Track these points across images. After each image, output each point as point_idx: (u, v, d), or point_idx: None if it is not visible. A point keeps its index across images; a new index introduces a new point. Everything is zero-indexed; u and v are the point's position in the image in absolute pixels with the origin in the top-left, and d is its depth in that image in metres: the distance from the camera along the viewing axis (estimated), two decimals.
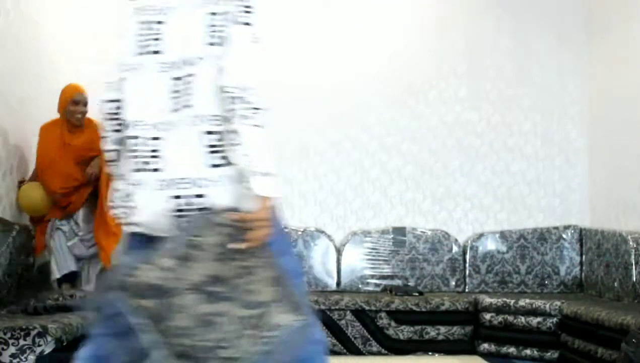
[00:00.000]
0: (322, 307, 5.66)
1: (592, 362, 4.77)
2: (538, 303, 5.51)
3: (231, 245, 2.01)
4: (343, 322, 5.66)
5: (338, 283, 6.27)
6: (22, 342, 3.43)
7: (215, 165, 2.11)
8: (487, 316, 5.62)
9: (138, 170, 2.18)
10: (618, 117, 5.95)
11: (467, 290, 6.26)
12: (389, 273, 6.27)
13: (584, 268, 6.17)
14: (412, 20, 6.44)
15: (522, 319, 5.56)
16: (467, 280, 6.28)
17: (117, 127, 2.30)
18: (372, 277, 6.25)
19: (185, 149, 2.12)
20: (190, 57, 2.16)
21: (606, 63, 6.20)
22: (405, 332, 5.65)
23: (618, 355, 4.10)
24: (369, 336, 5.65)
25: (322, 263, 6.31)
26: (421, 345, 5.66)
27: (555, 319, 5.43)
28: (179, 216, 2.10)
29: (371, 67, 6.49)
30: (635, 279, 5.27)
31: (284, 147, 6.48)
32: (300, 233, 6.34)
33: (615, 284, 5.54)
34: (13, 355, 3.41)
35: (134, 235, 2.22)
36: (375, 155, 6.52)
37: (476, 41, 6.43)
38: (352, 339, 5.65)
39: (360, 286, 6.25)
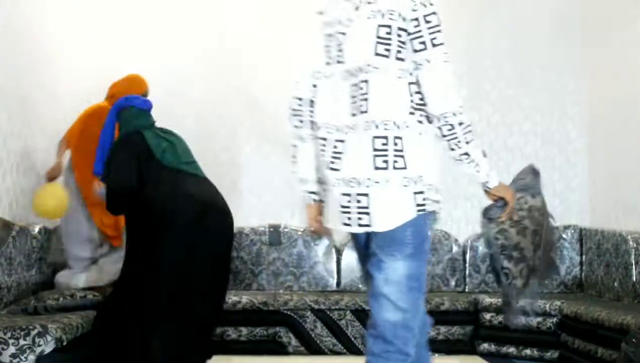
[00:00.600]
0: (322, 307, 5.66)
1: (592, 362, 4.77)
2: (538, 303, 5.50)
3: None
4: (343, 322, 5.66)
5: (338, 283, 6.27)
6: (22, 342, 3.43)
7: (378, 168, 2.34)
8: (487, 316, 5.62)
9: (325, 168, 2.47)
10: (618, 117, 5.95)
11: (467, 290, 6.26)
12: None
13: (584, 268, 6.17)
14: None
15: (521, 319, 5.55)
16: (467, 280, 6.28)
17: (299, 124, 2.66)
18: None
19: (358, 151, 2.38)
20: (363, 66, 2.41)
21: (606, 63, 6.20)
22: None
23: (618, 355, 4.10)
24: None
25: (322, 263, 6.31)
26: None
27: (555, 319, 5.43)
28: (344, 212, 2.39)
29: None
30: (635, 279, 5.27)
31: (284, 147, 6.48)
32: (300, 233, 6.34)
33: (615, 284, 5.54)
34: (13, 355, 3.41)
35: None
36: None
37: (476, 41, 6.42)
38: (352, 339, 5.65)
39: (360, 286, 6.24)
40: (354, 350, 5.63)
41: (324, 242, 6.31)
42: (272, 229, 6.34)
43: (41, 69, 5.43)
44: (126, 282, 4.04)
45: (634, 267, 5.29)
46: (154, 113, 6.53)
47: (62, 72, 5.90)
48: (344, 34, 2.47)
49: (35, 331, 3.45)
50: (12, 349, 3.41)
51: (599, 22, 6.32)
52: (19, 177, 4.94)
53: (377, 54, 2.39)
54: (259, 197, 6.49)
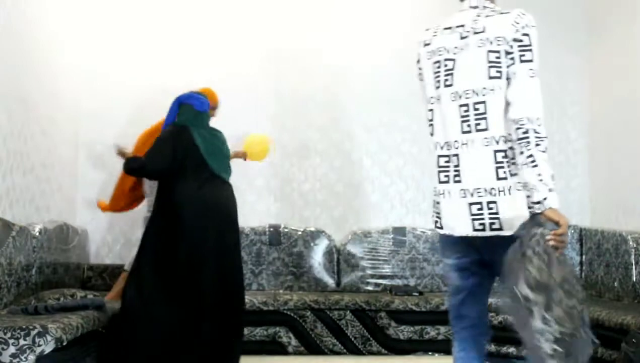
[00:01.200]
0: (322, 307, 5.66)
1: (592, 362, 4.76)
2: None
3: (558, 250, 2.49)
4: (343, 322, 5.66)
5: (338, 283, 6.27)
6: (22, 342, 3.43)
7: (501, 178, 2.63)
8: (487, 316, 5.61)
9: (443, 182, 2.76)
10: (618, 117, 5.95)
11: None
12: (389, 273, 6.27)
13: (584, 268, 6.17)
14: (413, 20, 6.44)
15: None
16: None
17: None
18: (372, 277, 6.25)
19: (479, 164, 2.66)
20: (477, 89, 2.68)
21: (606, 63, 6.20)
22: (405, 332, 5.65)
23: (618, 355, 4.10)
24: (369, 336, 5.65)
25: (322, 263, 6.31)
26: (421, 345, 5.66)
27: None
28: (474, 219, 2.67)
29: (371, 67, 6.49)
30: (635, 279, 5.28)
31: (284, 147, 6.49)
32: (300, 233, 6.34)
33: (615, 284, 5.54)
34: (13, 355, 3.41)
35: (444, 235, 2.81)
36: (375, 155, 6.52)
37: None
38: (352, 339, 5.65)
39: (360, 286, 6.25)
40: (354, 350, 5.63)
41: (324, 242, 6.31)
42: (272, 229, 6.34)
43: (41, 69, 5.44)
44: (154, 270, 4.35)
45: (634, 267, 5.30)
46: (159, 114, 6.55)
47: (62, 72, 5.90)
48: (452, 60, 2.75)
49: (35, 331, 3.45)
50: (12, 349, 3.41)
51: (599, 21, 6.32)
52: (19, 177, 4.95)
53: (490, 78, 2.66)
54: (259, 197, 6.49)
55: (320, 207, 6.49)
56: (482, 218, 2.66)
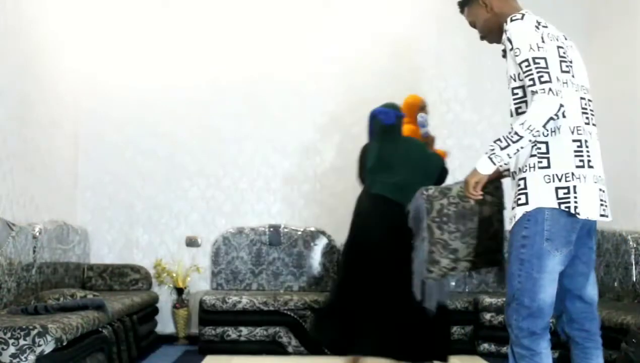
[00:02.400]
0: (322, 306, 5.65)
1: None
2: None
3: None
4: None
5: None
6: (22, 342, 3.43)
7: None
8: (487, 316, 5.62)
9: (580, 166, 2.72)
10: (618, 116, 5.95)
11: (467, 290, 6.26)
12: None
13: None
14: (413, 20, 6.44)
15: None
16: (467, 280, 6.27)
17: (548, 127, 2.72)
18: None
19: (598, 153, 2.81)
20: (587, 86, 2.94)
21: (606, 63, 6.20)
22: None
23: (618, 355, 4.10)
24: None
25: (322, 263, 6.31)
26: None
27: (555, 319, 5.42)
28: (601, 204, 2.75)
29: (371, 67, 6.48)
30: (635, 279, 5.27)
31: (284, 146, 6.49)
32: (300, 233, 6.34)
33: (615, 284, 5.54)
34: (13, 355, 3.41)
35: (569, 221, 2.70)
36: None
37: (476, 41, 6.40)
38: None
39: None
40: None
41: (324, 242, 6.31)
42: (272, 229, 6.34)
43: (41, 69, 5.44)
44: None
45: (634, 267, 5.29)
46: (159, 114, 6.54)
47: (62, 72, 5.90)
48: (568, 53, 2.86)
49: (35, 331, 3.45)
50: (12, 349, 3.41)
51: (599, 21, 6.32)
52: (19, 177, 4.95)
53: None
54: (259, 197, 6.49)
55: (320, 207, 6.49)
56: (606, 205, 2.80)
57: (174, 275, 6.16)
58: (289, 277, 6.29)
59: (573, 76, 2.84)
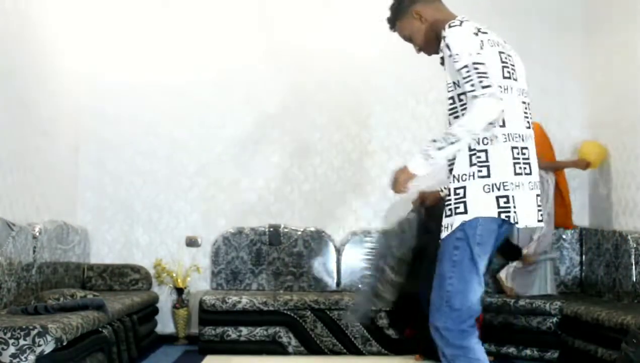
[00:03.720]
0: (322, 307, 5.66)
1: (592, 362, 4.77)
2: (538, 303, 5.50)
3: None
4: (343, 322, 5.65)
5: (338, 283, 6.27)
6: (22, 342, 3.43)
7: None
8: (487, 316, 5.61)
9: (518, 174, 2.72)
10: (618, 116, 5.95)
11: None
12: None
13: (583, 268, 6.17)
14: None
15: (522, 319, 5.56)
16: None
17: (489, 133, 2.72)
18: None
19: (535, 159, 2.81)
20: (525, 89, 2.90)
21: (606, 63, 6.19)
22: None
23: (618, 355, 4.10)
24: (369, 336, 5.64)
25: (322, 263, 6.31)
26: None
27: (555, 319, 5.43)
28: (538, 210, 2.78)
29: (371, 67, 6.49)
30: (635, 279, 5.27)
31: (284, 146, 6.49)
32: (300, 233, 6.34)
33: (615, 284, 5.54)
34: (13, 355, 3.41)
35: (496, 228, 2.72)
36: (375, 155, 6.52)
37: None
38: (352, 339, 5.65)
39: (360, 286, 6.24)
40: (354, 350, 5.63)
41: (324, 242, 6.31)
42: (272, 229, 6.34)
43: (41, 69, 5.44)
44: None
45: (634, 267, 5.29)
46: (159, 114, 6.53)
47: (62, 72, 5.90)
48: (511, 57, 2.83)
49: (35, 331, 3.44)
50: (12, 349, 3.41)
51: (599, 21, 6.31)
52: (19, 177, 4.95)
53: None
54: (259, 197, 6.49)
55: (320, 207, 6.49)
56: (541, 210, 2.82)
57: (174, 275, 6.16)
58: (289, 277, 6.29)
59: (515, 80, 2.82)
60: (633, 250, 5.32)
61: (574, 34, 6.49)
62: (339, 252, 6.31)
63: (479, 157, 2.68)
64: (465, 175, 2.69)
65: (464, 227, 2.67)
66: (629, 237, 5.40)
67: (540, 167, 5.95)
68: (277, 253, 6.32)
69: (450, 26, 2.72)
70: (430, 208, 2.99)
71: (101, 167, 6.38)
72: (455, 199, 2.70)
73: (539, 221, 2.79)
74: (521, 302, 5.57)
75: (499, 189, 2.67)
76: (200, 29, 6.48)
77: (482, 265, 2.73)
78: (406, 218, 3.11)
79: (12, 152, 4.83)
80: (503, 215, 2.66)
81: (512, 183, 2.68)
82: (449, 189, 2.75)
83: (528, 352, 5.51)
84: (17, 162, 4.92)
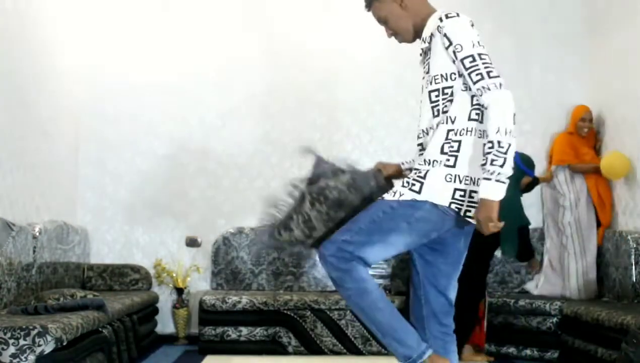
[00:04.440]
0: (322, 307, 5.66)
1: (592, 362, 4.77)
2: (538, 303, 5.50)
3: None
4: (343, 322, 5.66)
5: None
6: (22, 342, 3.43)
7: None
8: (487, 316, 5.61)
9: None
10: (618, 116, 5.95)
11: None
12: (389, 273, 6.27)
13: None
14: None
15: (522, 319, 5.56)
16: None
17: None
18: (372, 277, 6.23)
19: None
20: None
21: (606, 63, 6.20)
22: None
23: (618, 355, 4.10)
24: (369, 336, 5.64)
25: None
26: None
27: (555, 319, 5.43)
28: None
29: (372, 67, 6.49)
30: (635, 279, 5.27)
31: (284, 146, 6.49)
32: None
33: (615, 284, 5.54)
34: (13, 355, 3.41)
35: (448, 217, 2.68)
36: (376, 155, 6.51)
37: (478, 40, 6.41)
38: (352, 339, 5.65)
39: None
40: (354, 350, 5.63)
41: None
42: None
43: (41, 69, 5.44)
44: None
45: (634, 267, 5.29)
46: (159, 114, 6.54)
47: (62, 72, 5.90)
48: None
49: (35, 331, 3.44)
50: (12, 349, 3.41)
51: (599, 21, 6.31)
52: (19, 177, 4.95)
53: None
54: (259, 197, 6.47)
55: None
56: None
57: (174, 275, 6.16)
58: (289, 277, 6.29)
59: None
60: (633, 250, 5.32)
61: (574, 34, 6.49)
62: None
63: (451, 146, 2.65)
64: (435, 161, 2.66)
65: (409, 204, 2.64)
66: (629, 237, 5.40)
67: (575, 170, 5.98)
68: (277, 253, 6.32)
69: (447, 17, 2.68)
70: (386, 179, 2.89)
71: (101, 167, 6.38)
72: (416, 176, 2.68)
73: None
74: (521, 302, 5.57)
75: (460, 182, 2.63)
76: (200, 29, 6.48)
77: (402, 242, 2.68)
78: (363, 172, 2.97)
79: (12, 152, 4.83)
80: (453, 206, 2.62)
81: (475, 179, 2.62)
82: (415, 165, 2.75)
83: (528, 352, 5.51)
84: (17, 162, 4.92)
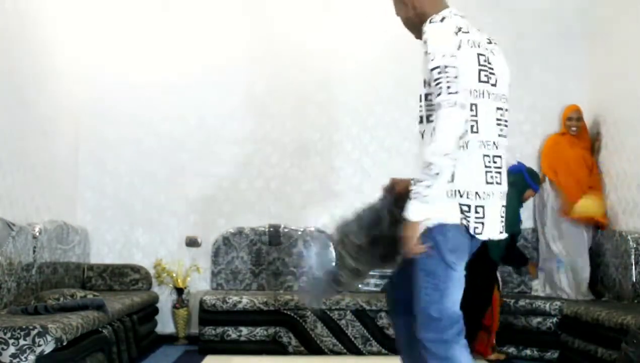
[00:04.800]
0: (322, 307, 5.65)
1: (592, 362, 4.77)
2: (538, 303, 5.50)
3: None
4: (343, 322, 5.66)
5: None
6: (22, 342, 3.43)
7: None
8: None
9: (490, 183, 2.64)
10: (618, 116, 5.95)
11: None
12: (389, 274, 6.26)
13: None
14: None
15: (522, 319, 5.56)
16: None
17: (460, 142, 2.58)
18: (372, 276, 6.24)
19: (505, 167, 2.72)
20: (506, 95, 2.75)
21: (606, 63, 6.20)
22: None
23: (618, 355, 4.10)
24: (369, 336, 5.65)
25: (322, 263, 6.29)
26: None
27: (555, 319, 5.43)
28: (501, 222, 2.70)
29: (372, 67, 6.48)
30: (635, 279, 5.27)
31: (284, 146, 6.49)
32: (300, 233, 6.34)
33: (615, 284, 5.54)
34: (13, 355, 3.40)
35: (464, 240, 2.63)
36: (375, 155, 6.52)
37: None
38: (352, 339, 5.65)
39: (360, 286, 6.25)
40: (354, 350, 5.63)
41: (324, 242, 6.31)
42: (272, 229, 6.34)
43: (41, 69, 5.43)
44: None
45: (634, 267, 5.30)
46: (159, 114, 6.54)
47: (62, 72, 5.90)
48: (490, 60, 2.70)
49: (35, 331, 3.44)
50: (12, 349, 3.40)
51: (599, 21, 6.31)
52: (19, 177, 4.95)
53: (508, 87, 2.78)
54: (259, 197, 6.48)
55: (320, 207, 6.48)
56: (503, 222, 2.73)
57: (174, 275, 6.16)
58: (289, 277, 6.29)
59: (494, 85, 2.68)
60: (633, 250, 5.32)
61: (574, 34, 6.49)
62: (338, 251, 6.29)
63: None
64: None
65: (433, 234, 2.57)
66: (629, 237, 5.40)
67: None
68: (277, 253, 6.32)
69: (431, 22, 2.64)
70: (400, 195, 2.86)
71: (101, 167, 6.38)
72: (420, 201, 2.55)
73: (500, 232, 2.71)
74: (521, 302, 5.57)
75: (461, 196, 2.58)
76: (200, 28, 6.48)
77: (460, 269, 2.64)
78: (369, 206, 2.96)
79: (12, 152, 4.83)
80: (464, 222, 2.58)
81: (480, 192, 2.59)
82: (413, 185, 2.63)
83: (528, 352, 5.51)
84: (17, 162, 4.92)
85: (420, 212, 2.51)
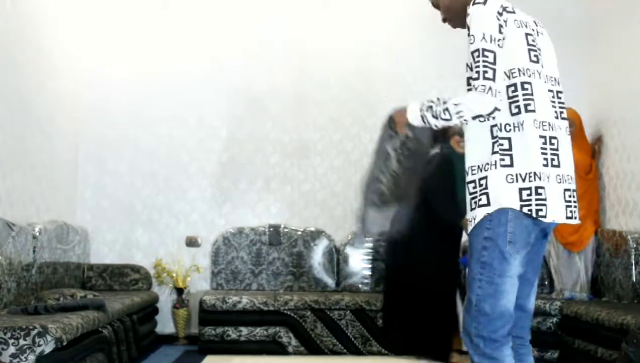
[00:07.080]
0: (322, 307, 5.66)
1: (592, 362, 4.77)
2: (538, 303, 5.50)
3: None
4: (343, 322, 5.66)
5: (338, 283, 6.27)
6: (22, 342, 3.42)
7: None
8: None
9: (545, 165, 2.52)
10: (618, 116, 5.95)
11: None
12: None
13: None
14: (412, 21, 6.44)
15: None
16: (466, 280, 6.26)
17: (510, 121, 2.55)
18: (372, 277, 6.24)
19: (567, 151, 2.61)
20: (556, 77, 2.76)
21: (607, 63, 6.20)
22: None
23: (618, 355, 4.10)
24: (369, 336, 5.65)
25: (322, 263, 6.31)
26: None
27: (555, 319, 5.43)
28: (567, 206, 2.55)
29: (372, 67, 6.48)
30: (635, 279, 5.27)
31: (285, 146, 6.49)
32: (300, 233, 6.34)
33: (615, 284, 5.54)
34: (13, 355, 3.40)
35: (530, 224, 2.51)
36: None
37: None
38: (352, 339, 5.65)
39: (360, 286, 6.25)
40: (354, 350, 5.63)
41: (324, 242, 6.31)
42: (272, 229, 6.34)
43: (41, 68, 5.43)
44: None
45: (634, 267, 5.29)
46: (159, 114, 6.54)
47: (62, 72, 5.90)
48: (537, 41, 2.68)
49: (35, 331, 3.44)
50: (12, 349, 3.40)
51: (599, 22, 6.31)
52: (19, 177, 4.95)
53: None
54: (259, 197, 6.49)
55: (320, 207, 6.49)
56: (571, 206, 2.58)
57: (174, 275, 6.16)
58: (289, 277, 6.29)
59: (542, 66, 2.66)
60: (633, 250, 5.32)
61: (574, 35, 6.49)
62: (339, 252, 6.31)
63: (501, 144, 2.50)
64: (488, 164, 2.50)
65: (491, 223, 2.47)
66: (629, 237, 5.40)
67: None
68: (277, 253, 6.32)
69: (474, 3, 2.57)
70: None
71: (101, 167, 6.38)
72: (479, 190, 2.51)
73: (568, 218, 2.55)
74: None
75: (523, 180, 2.47)
76: (200, 29, 6.48)
77: (517, 264, 2.51)
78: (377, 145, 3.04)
79: (12, 152, 4.83)
80: (525, 209, 2.46)
81: (538, 174, 2.48)
82: (471, 180, 2.57)
83: None
84: (17, 162, 4.92)
85: (414, 118, 2.60)
